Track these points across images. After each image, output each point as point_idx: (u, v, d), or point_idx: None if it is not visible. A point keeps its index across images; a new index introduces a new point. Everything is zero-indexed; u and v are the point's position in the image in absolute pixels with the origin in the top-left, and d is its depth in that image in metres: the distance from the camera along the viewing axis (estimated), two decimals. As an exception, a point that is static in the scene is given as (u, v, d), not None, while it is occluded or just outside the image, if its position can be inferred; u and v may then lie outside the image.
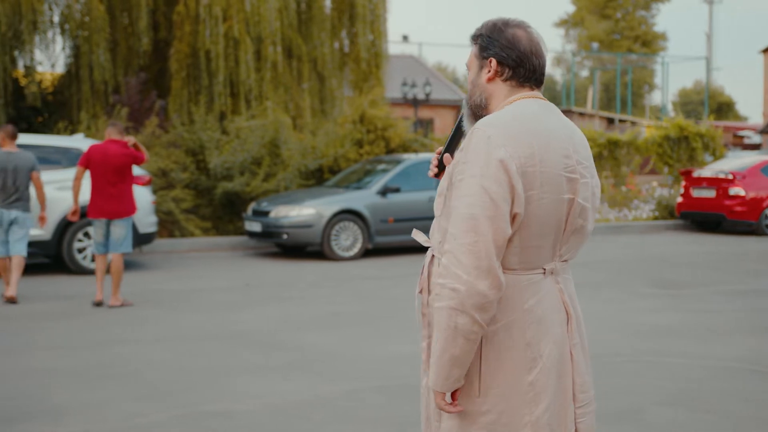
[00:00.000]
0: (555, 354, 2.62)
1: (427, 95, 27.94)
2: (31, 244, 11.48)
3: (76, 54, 19.71)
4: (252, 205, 14.53)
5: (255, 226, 14.01)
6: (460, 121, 2.81)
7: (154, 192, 15.10)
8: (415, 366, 6.49)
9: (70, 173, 11.75)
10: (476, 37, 2.77)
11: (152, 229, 12.64)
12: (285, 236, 13.56)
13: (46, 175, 11.62)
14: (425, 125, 34.50)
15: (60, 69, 20.93)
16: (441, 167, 2.80)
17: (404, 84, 26.77)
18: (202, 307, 9.51)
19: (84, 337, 8.03)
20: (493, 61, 2.71)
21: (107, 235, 9.62)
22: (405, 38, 46.72)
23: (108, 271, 9.88)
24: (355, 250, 13.72)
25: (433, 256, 2.71)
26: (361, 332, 8.22)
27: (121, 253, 9.57)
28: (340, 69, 21.90)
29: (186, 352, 7.40)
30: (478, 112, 2.76)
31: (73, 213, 9.75)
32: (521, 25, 2.73)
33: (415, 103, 26.86)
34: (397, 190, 14.26)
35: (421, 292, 2.74)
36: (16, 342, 7.81)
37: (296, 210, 13.64)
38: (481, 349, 2.54)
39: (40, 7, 17.97)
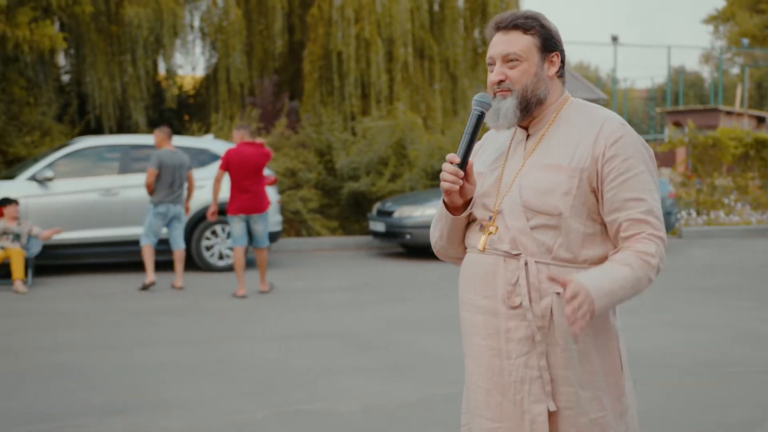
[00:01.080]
0: None
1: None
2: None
3: (214, 57, 20.30)
4: (377, 206, 14.61)
5: (379, 226, 14.07)
6: (478, 122, 2.67)
7: (282, 192, 15.39)
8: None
9: (197, 173, 12.10)
10: (530, 28, 2.67)
11: (277, 228, 12.87)
12: (408, 236, 13.57)
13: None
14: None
15: (200, 72, 21.65)
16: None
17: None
18: (319, 306, 9.60)
19: (201, 333, 8.23)
20: (558, 57, 2.71)
21: (247, 230, 10.30)
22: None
23: (244, 264, 10.43)
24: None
25: (535, 263, 2.62)
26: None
27: (263, 247, 10.34)
28: (472, 69, 21.78)
29: (295, 350, 7.48)
30: (533, 106, 2.68)
31: (213, 213, 10.39)
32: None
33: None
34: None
35: (517, 305, 2.62)
36: (138, 336, 8.08)
37: (419, 210, 13.62)
38: (618, 345, 2.70)
39: (181, 12, 18.57)
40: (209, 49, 20.44)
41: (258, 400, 5.97)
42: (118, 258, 12.19)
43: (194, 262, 12.34)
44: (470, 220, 2.78)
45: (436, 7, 21.38)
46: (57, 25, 17.45)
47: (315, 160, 16.52)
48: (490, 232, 2.68)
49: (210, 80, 20.51)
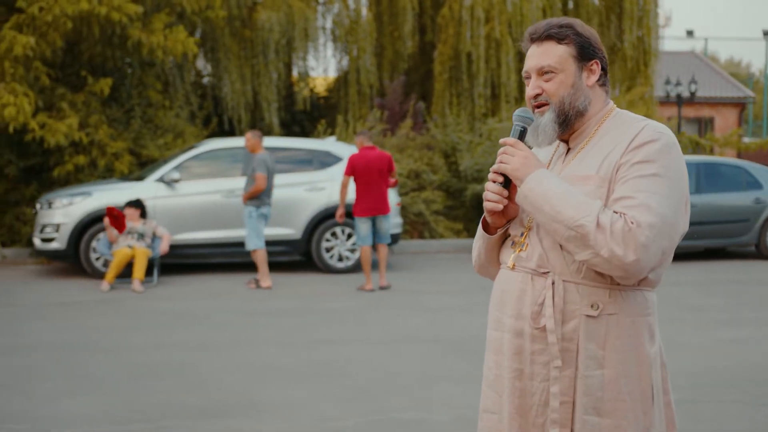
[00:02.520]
0: None
1: (693, 93, 26.44)
2: (283, 243, 12.13)
3: (345, 59, 20.51)
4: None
5: (503, 229, 13.85)
6: (520, 138, 2.56)
7: (405, 194, 15.38)
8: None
9: (319, 175, 12.24)
10: (564, 37, 2.54)
11: (398, 230, 12.86)
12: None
13: (297, 177, 12.21)
14: (705, 124, 32.69)
15: (331, 74, 21.92)
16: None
17: (667, 82, 25.47)
18: (430, 310, 9.52)
19: (308, 335, 8.28)
20: (598, 65, 2.56)
21: (372, 230, 10.80)
22: (689, 33, 44.61)
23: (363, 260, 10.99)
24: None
25: (563, 282, 2.48)
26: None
27: (386, 243, 11.03)
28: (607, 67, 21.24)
29: (397, 355, 7.42)
30: (573, 119, 2.55)
31: (341, 216, 10.88)
32: (590, 26, 2.59)
33: (679, 101, 25.46)
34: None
35: (542, 327, 2.50)
36: (246, 337, 8.20)
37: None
38: (651, 375, 2.53)
39: (312, 15, 18.84)
40: (340, 51, 20.66)
41: (352, 406, 5.94)
42: (240, 258, 12.44)
43: (314, 263, 12.47)
44: (505, 237, 2.68)
45: (570, 5, 20.97)
46: (193, 30, 18.00)
47: (440, 162, 16.44)
48: (521, 249, 2.58)
49: (341, 82, 20.74)
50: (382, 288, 10.87)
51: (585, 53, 2.54)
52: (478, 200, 16.15)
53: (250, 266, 12.36)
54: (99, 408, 5.83)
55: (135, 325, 8.74)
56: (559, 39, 2.53)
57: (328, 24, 20.67)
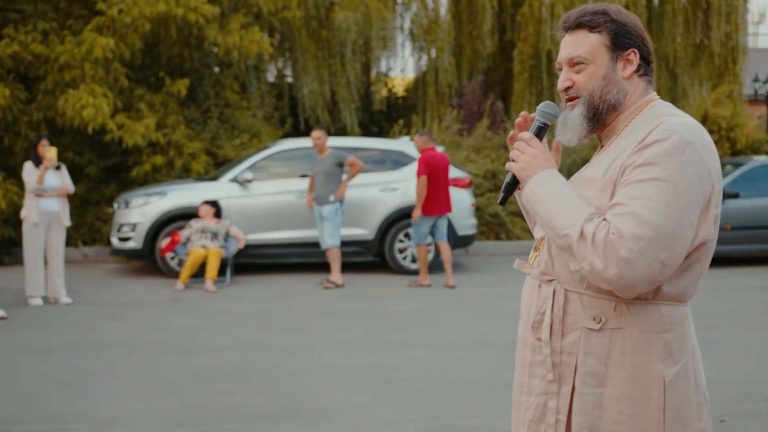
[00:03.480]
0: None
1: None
2: (356, 243, 12.07)
3: (423, 59, 20.39)
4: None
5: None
6: (538, 134, 2.39)
7: (482, 194, 15.18)
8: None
9: (392, 175, 12.14)
10: (597, 25, 2.34)
11: (471, 231, 12.68)
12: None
13: (370, 177, 12.13)
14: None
15: (409, 74, 21.83)
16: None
17: (755, 80, 24.62)
18: (501, 314, 9.33)
19: (374, 337, 8.18)
20: (635, 54, 2.34)
21: (432, 229, 11.13)
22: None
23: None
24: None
25: (566, 290, 2.31)
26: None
27: (446, 240, 11.22)
28: (693, 66, 20.69)
29: (462, 360, 7.26)
30: (604, 114, 2.36)
31: (417, 216, 10.91)
32: (630, 12, 2.38)
33: (768, 99, 24.58)
34: (735, 196, 13.09)
35: (539, 337, 2.34)
36: (311, 339, 8.14)
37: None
38: (664, 397, 2.25)
39: (390, 15, 18.78)
40: (418, 51, 20.55)
41: (414, 412, 5.82)
42: (313, 258, 12.42)
43: (387, 264, 12.38)
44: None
45: (654, 2, 20.49)
46: (270, 31, 18.11)
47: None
48: (537, 254, 2.43)
49: (419, 82, 20.63)
50: (448, 287, 10.93)
51: (620, 42, 2.33)
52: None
53: (322, 266, 12.34)
54: (158, 409, 5.82)
55: (205, 326, 8.77)
56: (591, 27, 2.34)
57: (406, 24, 20.60)
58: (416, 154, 12.32)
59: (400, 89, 22.11)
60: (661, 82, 20.55)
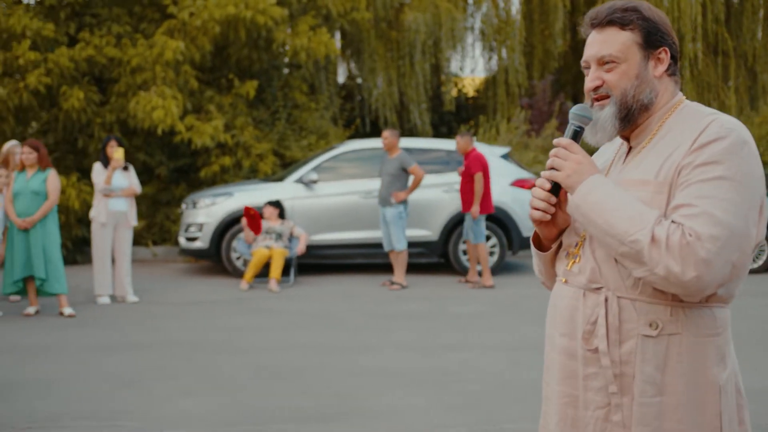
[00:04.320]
0: None
1: None
2: (420, 244, 12.04)
3: (494, 59, 20.28)
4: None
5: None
6: (574, 138, 2.31)
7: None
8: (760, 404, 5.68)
9: (456, 177, 12.06)
10: (629, 22, 2.27)
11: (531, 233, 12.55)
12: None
13: (435, 178, 12.10)
14: None
15: (479, 74, 21.73)
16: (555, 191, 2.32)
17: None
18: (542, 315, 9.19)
19: (431, 339, 8.14)
20: (666, 53, 2.28)
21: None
22: None
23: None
24: (760, 262, 12.47)
25: (618, 298, 2.23)
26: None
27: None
28: (773, 63, 20.18)
29: (517, 363, 7.18)
30: (636, 114, 2.28)
31: (476, 213, 11.02)
32: (659, 10, 2.32)
33: None
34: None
35: (595, 348, 2.26)
36: (369, 340, 8.14)
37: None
38: (720, 403, 2.21)
39: (460, 15, 18.71)
40: (488, 51, 20.43)
41: (463, 415, 5.78)
42: (377, 259, 12.42)
43: (451, 266, 12.32)
44: (559, 246, 2.44)
45: (733, -2, 20.07)
46: (341, 33, 18.22)
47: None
48: (574, 261, 2.32)
49: (489, 82, 20.51)
50: (489, 287, 11.16)
51: (652, 40, 2.27)
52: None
53: (386, 267, 12.34)
54: (210, 409, 5.88)
55: (266, 326, 8.84)
56: (623, 24, 2.27)
57: (477, 24, 20.49)
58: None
59: (470, 89, 22.00)
60: (739, 81, 20.10)
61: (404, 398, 6.16)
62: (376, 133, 17.95)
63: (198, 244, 12.14)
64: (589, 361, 2.26)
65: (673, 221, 2.10)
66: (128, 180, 10.23)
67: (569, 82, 21.19)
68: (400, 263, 11.11)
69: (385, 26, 18.39)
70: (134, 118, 13.38)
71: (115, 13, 14.47)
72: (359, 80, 19.40)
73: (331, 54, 14.68)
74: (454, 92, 20.78)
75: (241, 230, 11.78)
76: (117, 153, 9.95)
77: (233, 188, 12.56)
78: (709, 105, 18.87)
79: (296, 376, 6.77)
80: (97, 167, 10.14)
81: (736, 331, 8.13)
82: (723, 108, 19.20)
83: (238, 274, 11.76)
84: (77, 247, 13.46)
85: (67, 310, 9.29)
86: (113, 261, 10.34)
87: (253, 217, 11.16)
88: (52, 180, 9.33)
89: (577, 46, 20.91)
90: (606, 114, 2.27)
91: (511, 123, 16.94)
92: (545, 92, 18.46)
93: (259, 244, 11.26)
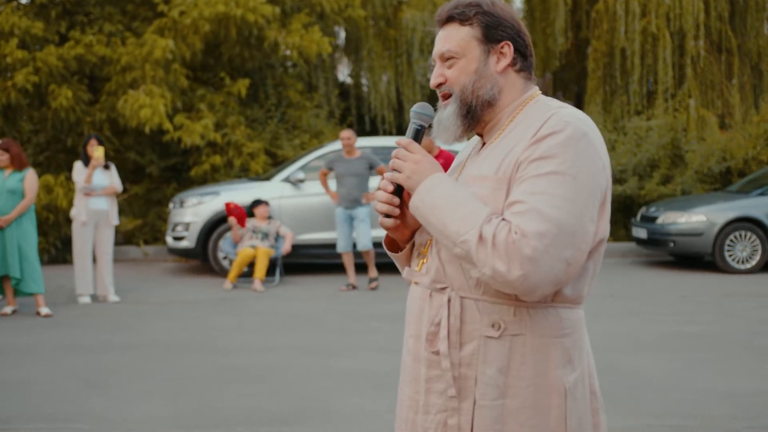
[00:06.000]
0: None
1: None
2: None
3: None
4: (641, 211, 13.68)
5: (641, 233, 13.15)
6: (416, 137, 2.23)
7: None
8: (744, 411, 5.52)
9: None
10: (468, 18, 2.19)
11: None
12: (671, 244, 12.55)
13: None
14: None
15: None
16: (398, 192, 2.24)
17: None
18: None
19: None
20: (509, 46, 2.18)
21: None
22: None
23: None
24: (753, 262, 12.27)
25: (461, 298, 2.13)
26: (704, 359, 7.21)
27: None
28: (778, 61, 19.93)
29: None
30: (479, 110, 2.19)
31: None
32: (508, 5, 2.22)
33: None
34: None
35: (435, 350, 2.16)
36: (349, 342, 8.01)
37: (685, 216, 12.53)
38: (566, 406, 2.11)
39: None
40: (488, 49, 20.26)
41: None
42: (363, 259, 12.27)
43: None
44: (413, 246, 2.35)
45: (736, -9, 19.83)
46: (335, 30, 18.09)
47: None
48: (424, 261, 2.23)
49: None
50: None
51: (492, 35, 2.18)
52: (621, 202, 15.43)
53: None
54: (171, 411, 5.76)
55: (244, 326, 8.72)
56: (462, 20, 2.20)
57: (476, 21, 20.32)
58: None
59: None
60: (744, 79, 19.85)
61: (367, 402, 6.02)
62: (375, 132, 17.83)
63: (185, 244, 12.04)
64: (432, 363, 2.16)
65: (503, 219, 2.01)
66: (109, 179, 10.13)
67: (572, 80, 21.02)
68: (372, 260, 11.02)
69: (384, 24, 18.24)
70: (123, 117, 13.28)
71: (107, 11, 14.39)
72: (357, 78, 19.27)
73: (324, 52, 14.55)
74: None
75: (228, 230, 11.66)
76: (97, 152, 9.86)
77: (220, 187, 12.46)
78: (713, 103, 18.80)
79: (264, 377, 6.65)
80: (78, 166, 10.05)
81: (726, 333, 7.98)
82: (727, 106, 18.99)
83: (225, 273, 11.65)
84: (66, 246, 13.37)
85: (44, 310, 9.19)
86: (95, 260, 10.24)
87: (234, 210, 11.08)
88: (30, 179, 9.24)
89: (579, 44, 20.74)
90: (448, 112, 2.20)
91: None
92: (546, 90, 18.30)
93: (245, 244, 11.15)
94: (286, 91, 15.83)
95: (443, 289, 2.16)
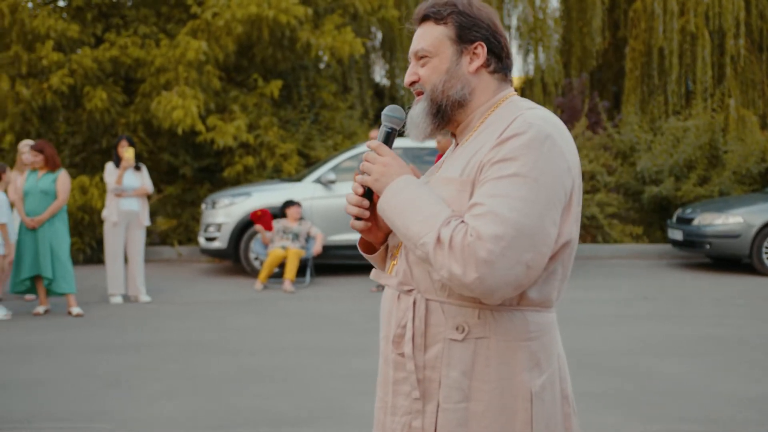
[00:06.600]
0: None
1: None
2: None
3: (530, 57, 19.99)
4: (677, 212, 13.49)
5: (677, 234, 12.97)
6: (387, 140, 2.24)
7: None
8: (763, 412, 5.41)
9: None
10: (445, 15, 2.18)
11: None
12: (707, 246, 12.35)
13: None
14: None
15: (515, 73, 21.44)
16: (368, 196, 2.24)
17: None
18: (577, 320, 8.94)
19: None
20: (482, 47, 2.17)
21: None
22: None
23: None
24: (791, 265, 12.08)
25: (426, 300, 2.13)
26: (731, 363, 7.08)
27: None
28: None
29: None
30: (448, 110, 2.19)
31: None
32: (488, 5, 2.20)
33: None
34: None
35: (401, 352, 2.16)
36: (367, 343, 7.97)
37: (721, 218, 12.34)
38: (531, 410, 2.09)
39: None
40: (525, 49, 20.14)
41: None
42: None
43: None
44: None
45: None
46: (368, 31, 18.08)
47: (616, 163, 15.62)
48: (394, 264, 2.23)
49: (526, 81, 20.23)
50: None
51: (465, 35, 2.17)
52: (657, 203, 15.23)
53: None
54: (187, 411, 5.78)
55: (269, 326, 8.73)
56: (437, 19, 2.20)
57: (513, 22, 20.21)
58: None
59: (509, 88, 21.72)
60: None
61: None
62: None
63: (216, 244, 12.10)
64: (399, 365, 2.16)
65: (462, 221, 2.00)
66: (140, 180, 10.20)
67: (610, 80, 20.83)
68: None
69: (417, 24, 18.19)
70: (157, 118, 13.38)
71: (142, 13, 14.51)
72: (397, 80, 19.24)
73: (356, 53, 14.53)
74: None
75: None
76: (127, 153, 9.93)
77: (252, 188, 12.50)
78: (753, 103, 18.48)
79: (283, 378, 6.64)
80: (109, 167, 10.14)
81: (756, 337, 7.82)
82: (768, 107, 18.70)
83: (256, 274, 11.69)
84: (101, 246, 13.50)
85: (75, 310, 9.28)
86: (127, 261, 10.32)
87: (260, 217, 11.12)
88: (62, 181, 9.34)
89: (617, 44, 20.56)
90: (418, 110, 2.21)
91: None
92: (583, 91, 18.14)
93: (276, 245, 11.17)
94: (320, 92, 15.85)
95: (410, 291, 2.15)
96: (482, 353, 2.07)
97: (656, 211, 15.36)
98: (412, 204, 2.06)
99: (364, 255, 2.42)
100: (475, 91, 2.19)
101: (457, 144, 2.26)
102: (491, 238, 1.92)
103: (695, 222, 12.61)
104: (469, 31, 2.17)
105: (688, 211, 13.09)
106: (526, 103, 2.17)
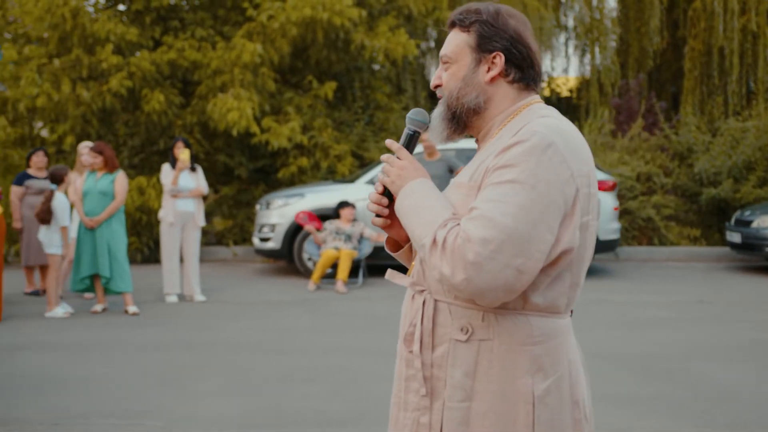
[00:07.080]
0: (592, 413, 2.26)
1: None
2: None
3: (586, 58, 19.85)
4: (736, 214, 13.28)
5: (735, 237, 12.76)
6: (409, 142, 2.30)
7: (634, 197, 14.56)
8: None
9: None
10: (469, 23, 2.22)
11: (614, 236, 12.17)
12: (767, 249, 12.14)
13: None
14: None
15: (571, 74, 21.27)
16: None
17: None
18: (627, 323, 8.86)
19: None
20: (500, 57, 2.20)
21: None
22: None
23: None
24: None
25: (435, 301, 2.19)
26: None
27: None
28: None
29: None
30: (464, 116, 2.24)
31: None
32: (520, 15, 2.22)
33: None
34: None
35: (412, 350, 2.23)
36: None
37: (782, 220, 12.15)
38: (533, 413, 2.12)
39: (548, 13, 18.37)
40: (581, 50, 20.00)
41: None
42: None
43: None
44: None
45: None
46: (423, 32, 18.09)
47: (673, 164, 15.41)
48: (413, 264, 2.31)
49: (582, 81, 20.08)
50: None
51: (484, 44, 2.22)
52: (715, 205, 15.00)
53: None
54: (234, 410, 5.86)
55: (324, 327, 8.79)
56: (462, 26, 2.26)
57: (570, 22, 20.08)
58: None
59: (563, 89, 21.58)
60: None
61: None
62: (460, 134, 17.75)
63: (270, 245, 12.21)
64: (410, 362, 2.23)
65: (457, 224, 2.07)
66: (196, 181, 10.35)
67: (668, 80, 20.58)
68: None
69: (472, 26, 18.16)
70: (213, 120, 13.56)
71: (199, 16, 14.71)
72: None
73: (409, 54, 14.56)
74: (546, 92, 20.40)
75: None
76: (183, 154, 10.09)
77: (305, 189, 12.59)
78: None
79: (329, 378, 6.69)
80: (165, 168, 10.31)
81: (715, 339, 7.65)
82: None
83: (309, 274, 11.78)
84: (158, 246, 13.73)
85: (132, 309, 9.46)
86: (183, 260, 10.48)
87: (304, 219, 11.24)
88: (120, 182, 9.52)
89: (676, 44, 20.30)
90: (436, 113, 2.29)
91: (594, 123, 16.51)
92: (641, 91, 17.95)
93: (329, 245, 11.24)
94: (374, 94, 15.92)
95: (422, 291, 2.22)
96: (485, 355, 2.12)
97: (714, 213, 15.13)
98: (419, 206, 2.14)
99: (390, 252, 2.50)
100: (492, 100, 2.24)
101: (479, 150, 2.31)
102: (479, 241, 1.97)
103: (754, 224, 12.40)
104: (489, 41, 2.20)
105: (747, 213, 12.87)
106: (544, 110, 2.20)
